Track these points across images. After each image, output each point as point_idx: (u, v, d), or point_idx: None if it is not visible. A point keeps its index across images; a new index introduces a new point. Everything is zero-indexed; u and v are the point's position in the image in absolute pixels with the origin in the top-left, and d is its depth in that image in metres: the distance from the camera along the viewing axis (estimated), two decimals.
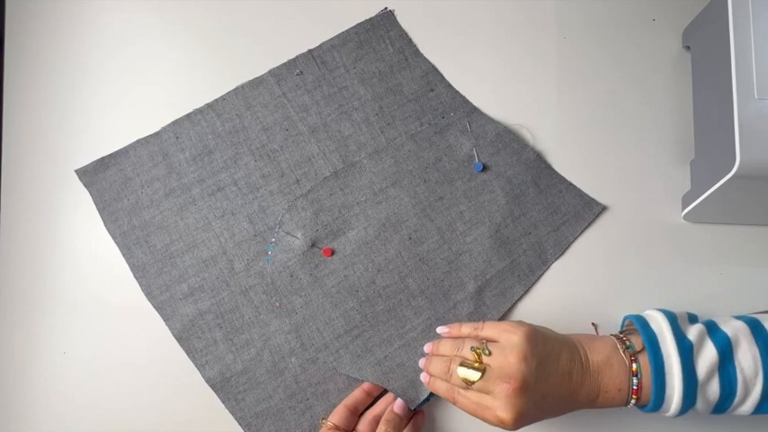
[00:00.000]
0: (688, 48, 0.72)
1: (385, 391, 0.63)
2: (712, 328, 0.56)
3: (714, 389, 0.53)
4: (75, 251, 0.67)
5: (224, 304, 0.64)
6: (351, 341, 0.64)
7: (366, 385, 0.62)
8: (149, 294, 0.65)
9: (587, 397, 0.54)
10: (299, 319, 0.64)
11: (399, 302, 0.65)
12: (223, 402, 0.62)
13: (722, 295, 0.66)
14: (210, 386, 0.63)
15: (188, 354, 0.63)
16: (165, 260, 0.65)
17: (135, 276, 0.65)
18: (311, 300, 0.64)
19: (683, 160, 0.69)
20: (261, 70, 0.70)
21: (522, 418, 0.52)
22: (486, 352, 0.54)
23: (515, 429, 0.53)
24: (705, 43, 0.67)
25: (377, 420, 0.60)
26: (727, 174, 0.58)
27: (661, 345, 0.54)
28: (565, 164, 0.70)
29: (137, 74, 0.71)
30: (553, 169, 0.69)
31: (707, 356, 0.54)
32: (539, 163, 0.69)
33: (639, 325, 0.57)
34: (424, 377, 0.59)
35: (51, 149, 0.69)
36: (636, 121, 0.71)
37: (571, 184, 0.69)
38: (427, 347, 0.60)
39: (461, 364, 0.54)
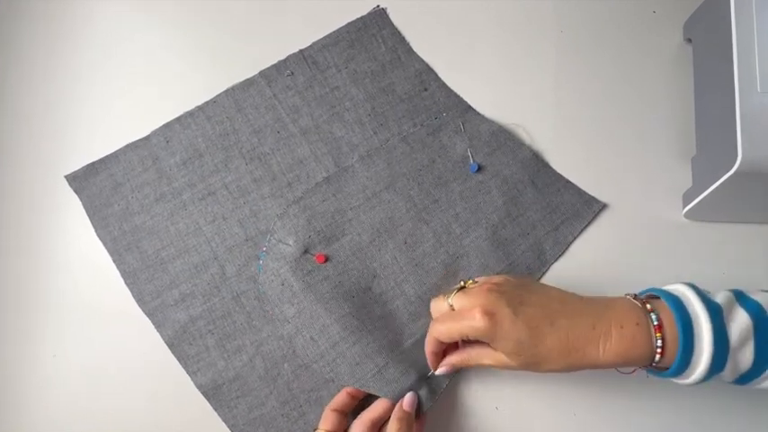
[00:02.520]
0: (689, 41, 0.71)
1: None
2: (740, 296, 0.52)
3: (747, 356, 0.49)
4: (67, 255, 0.66)
5: (216, 310, 0.63)
6: (348, 348, 0.61)
7: (350, 389, 0.61)
8: (140, 301, 0.64)
9: (592, 332, 0.50)
10: (291, 328, 0.62)
11: (396, 308, 0.63)
12: (215, 410, 0.61)
13: None
14: (202, 393, 0.62)
15: (180, 360, 0.62)
16: (156, 266, 0.64)
17: (126, 283, 0.64)
18: (304, 307, 0.63)
19: (684, 157, 0.68)
20: (251, 71, 0.69)
21: (495, 315, 0.50)
22: (471, 281, 0.56)
23: (489, 327, 0.50)
24: (706, 36, 0.66)
25: (374, 423, 0.58)
26: (729, 171, 0.57)
27: (687, 305, 0.50)
28: (563, 162, 0.68)
29: (126, 78, 0.70)
30: (551, 167, 0.68)
31: (739, 320, 0.49)
32: (535, 162, 0.68)
33: (654, 289, 0.53)
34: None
35: (40, 155, 0.68)
36: (636, 117, 0.69)
37: (569, 182, 0.68)
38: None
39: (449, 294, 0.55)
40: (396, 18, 0.72)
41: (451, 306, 0.54)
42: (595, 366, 0.50)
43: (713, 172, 0.60)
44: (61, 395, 0.63)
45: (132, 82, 0.70)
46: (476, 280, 0.56)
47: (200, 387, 0.62)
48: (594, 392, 0.62)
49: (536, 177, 0.67)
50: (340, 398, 0.60)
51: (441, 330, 0.54)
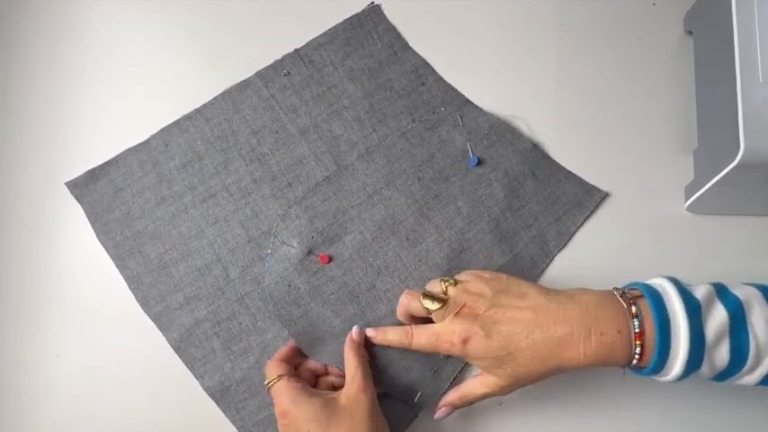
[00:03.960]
0: (690, 33, 0.70)
1: None
2: (722, 290, 0.51)
3: (723, 355, 0.49)
4: (69, 257, 0.66)
5: (220, 312, 0.64)
6: None
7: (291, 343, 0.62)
8: (145, 305, 0.64)
9: (570, 338, 0.50)
10: (298, 328, 0.63)
11: None
12: (224, 412, 0.62)
13: None
14: (210, 396, 0.62)
15: (186, 364, 0.63)
16: (159, 270, 0.65)
17: (130, 288, 0.64)
18: (311, 309, 0.63)
19: (685, 149, 0.67)
20: (251, 71, 0.69)
21: (470, 339, 0.53)
22: (452, 281, 0.57)
23: (465, 351, 0.53)
24: (707, 28, 0.65)
25: (312, 373, 0.61)
26: (731, 162, 0.56)
27: (666, 302, 0.50)
28: (564, 155, 0.68)
29: (126, 78, 0.70)
30: (551, 158, 0.68)
31: (717, 317, 0.49)
32: (535, 153, 0.67)
33: (638, 284, 0.53)
34: (370, 332, 0.60)
35: (41, 155, 0.68)
36: (637, 110, 0.69)
37: (570, 172, 0.67)
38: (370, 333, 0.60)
39: (424, 296, 0.56)
40: (394, 17, 0.71)
41: (427, 311, 0.56)
42: (574, 369, 0.51)
43: (715, 164, 0.59)
44: (63, 395, 0.63)
45: (132, 82, 0.70)
46: (456, 279, 0.58)
47: (207, 390, 0.62)
48: (598, 390, 0.63)
49: (536, 169, 0.67)
50: (285, 349, 0.61)
51: (421, 345, 0.56)
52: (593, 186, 0.67)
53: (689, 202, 0.65)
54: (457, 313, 0.54)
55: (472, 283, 0.56)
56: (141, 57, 0.71)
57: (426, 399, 0.61)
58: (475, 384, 0.56)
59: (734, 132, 0.56)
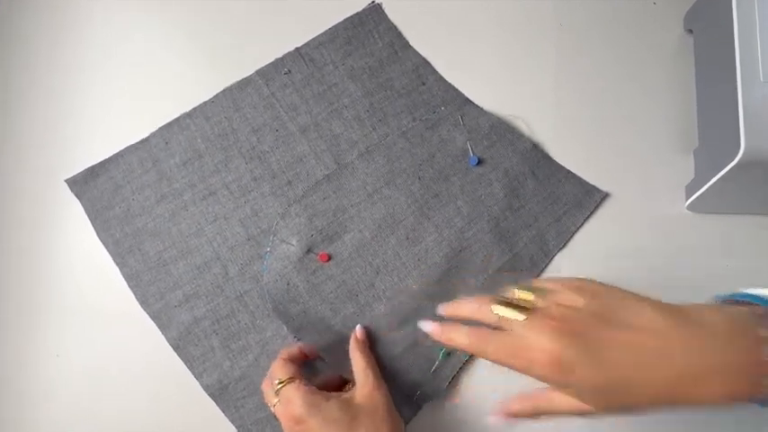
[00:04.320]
0: (690, 31, 0.70)
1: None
2: None
3: None
4: (69, 257, 0.66)
5: (219, 310, 0.64)
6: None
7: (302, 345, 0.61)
8: (144, 303, 0.64)
9: (699, 372, 0.39)
10: (296, 325, 0.63)
11: (400, 304, 0.63)
12: (222, 410, 0.62)
13: (728, 289, 0.64)
14: (209, 394, 0.62)
15: (185, 362, 0.63)
16: (158, 268, 0.65)
17: (129, 285, 0.64)
18: (309, 307, 0.63)
19: (686, 149, 0.67)
20: (248, 71, 0.69)
21: (565, 365, 0.40)
22: (532, 290, 0.45)
23: (557, 378, 0.41)
24: (708, 26, 0.65)
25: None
26: (732, 161, 0.56)
27: None
28: (564, 155, 0.68)
29: (122, 82, 0.70)
30: (551, 158, 0.68)
31: None
32: (536, 153, 0.67)
33: (753, 297, 0.44)
34: (431, 327, 0.47)
35: (41, 153, 0.68)
36: (637, 109, 0.69)
37: (570, 172, 0.67)
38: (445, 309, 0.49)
39: (500, 303, 0.44)
40: (395, 16, 0.71)
41: (502, 318, 0.44)
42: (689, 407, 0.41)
43: (716, 163, 0.59)
44: (63, 395, 0.63)
45: (132, 82, 0.70)
46: (537, 287, 0.45)
47: (206, 388, 0.62)
48: None
49: (536, 168, 0.67)
50: (294, 348, 0.60)
51: (486, 352, 0.44)
52: (593, 186, 0.67)
53: (689, 201, 0.65)
54: (546, 327, 0.42)
55: (562, 294, 0.44)
56: (141, 57, 0.71)
57: (426, 397, 0.61)
58: (561, 402, 0.44)
59: (734, 131, 0.56)
